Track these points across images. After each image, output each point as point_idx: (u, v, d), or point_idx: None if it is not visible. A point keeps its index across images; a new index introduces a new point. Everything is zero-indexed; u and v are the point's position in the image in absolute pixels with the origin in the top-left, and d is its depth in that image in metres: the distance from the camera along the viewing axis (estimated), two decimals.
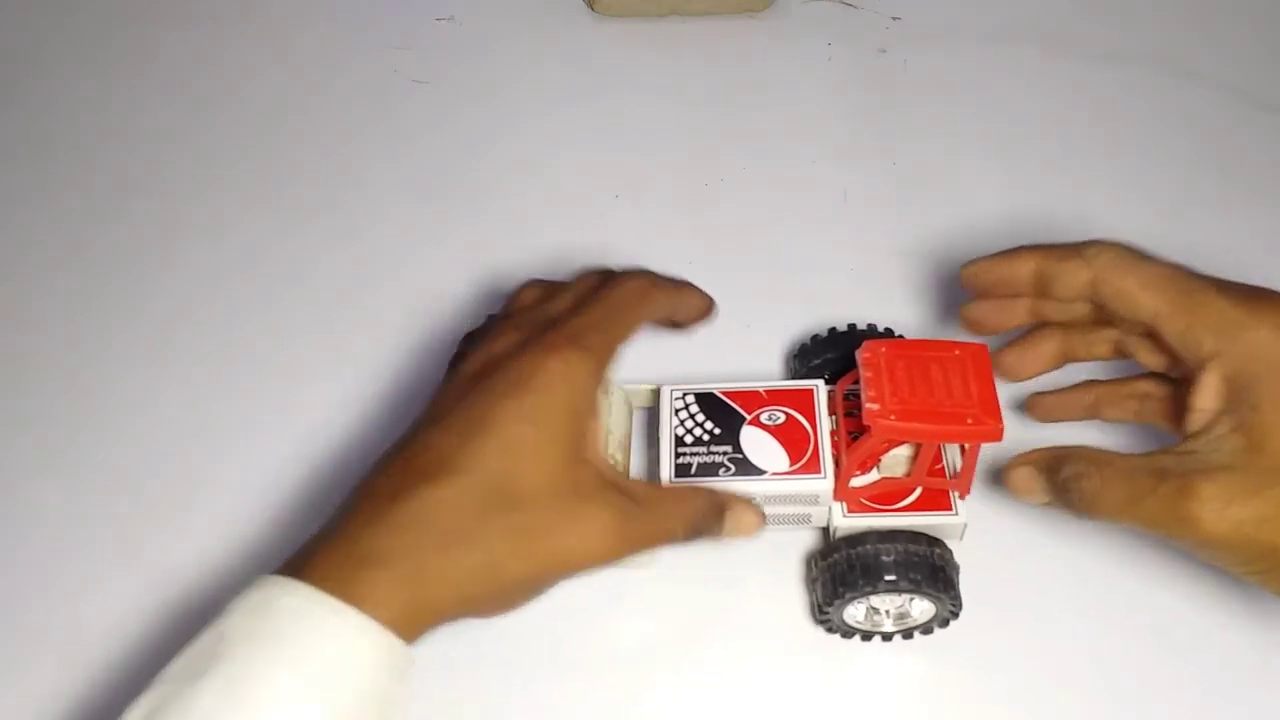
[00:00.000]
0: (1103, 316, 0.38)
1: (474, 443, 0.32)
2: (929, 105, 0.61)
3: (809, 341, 0.47)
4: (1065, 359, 0.41)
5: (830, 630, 0.42)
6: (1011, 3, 0.67)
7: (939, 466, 0.41)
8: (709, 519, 0.36)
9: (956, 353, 0.39)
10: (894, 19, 0.66)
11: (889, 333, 0.47)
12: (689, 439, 0.41)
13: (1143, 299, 0.35)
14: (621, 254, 0.55)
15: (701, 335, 0.51)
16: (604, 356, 0.36)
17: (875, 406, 0.38)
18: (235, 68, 0.65)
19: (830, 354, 0.46)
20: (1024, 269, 0.38)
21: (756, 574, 0.44)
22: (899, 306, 0.51)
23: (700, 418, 0.42)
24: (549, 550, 0.33)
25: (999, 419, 0.37)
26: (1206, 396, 0.33)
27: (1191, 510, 0.31)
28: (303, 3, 0.68)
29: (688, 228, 0.56)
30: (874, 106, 0.61)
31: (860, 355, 0.40)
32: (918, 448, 0.40)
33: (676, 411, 0.42)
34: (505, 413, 0.33)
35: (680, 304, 0.41)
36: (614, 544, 0.33)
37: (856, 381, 0.40)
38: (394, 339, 0.52)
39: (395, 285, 0.54)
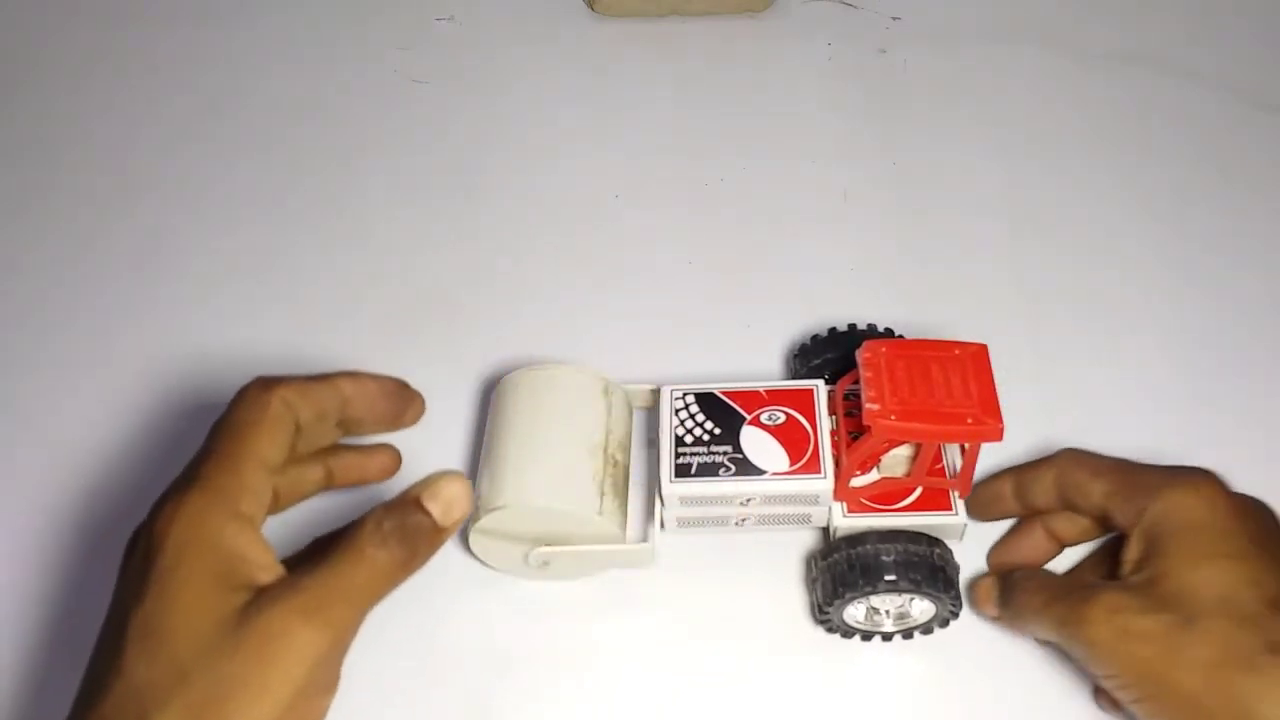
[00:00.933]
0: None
1: (121, 648, 0.29)
2: (929, 105, 0.61)
3: (809, 341, 0.47)
4: (1059, 543, 0.43)
5: (830, 630, 0.42)
6: (1011, 3, 0.67)
7: (939, 466, 0.41)
8: (403, 516, 0.31)
9: (956, 353, 0.39)
10: (894, 19, 0.66)
11: (889, 333, 0.47)
12: (689, 439, 0.41)
13: (1094, 485, 0.39)
14: (622, 254, 0.55)
15: (702, 335, 0.52)
16: (223, 484, 0.31)
17: (875, 406, 0.38)
18: (235, 68, 0.65)
19: (830, 354, 0.46)
20: (1005, 484, 0.42)
21: (756, 574, 0.44)
22: (899, 306, 0.51)
23: (700, 418, 0.42)
24: (250, 699, 0.28)
25: (999, 419, 0.37)
26: (1132, 549, 0.37)
27: (1088, 612, 0.35)
28: (303, 3, 0.68)
29: (688, 228, 0.56)
30: (874, 106, 0.61)
31: (860, 355, 0.40)
32: (918, 448, 0.40)
33: (676, 411, 0.42)
34: (133, 599, 0.30)
35: (346, 400, 0.35)
36: (315, 640, 0.29)
37: (856, 381, 0.40)
38: (394, 339, 0.52)
39: (395, 285, 0.54)
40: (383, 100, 0.63)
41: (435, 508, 0.31)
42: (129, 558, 0.31)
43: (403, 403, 0.37)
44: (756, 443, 0.41)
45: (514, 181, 0.59)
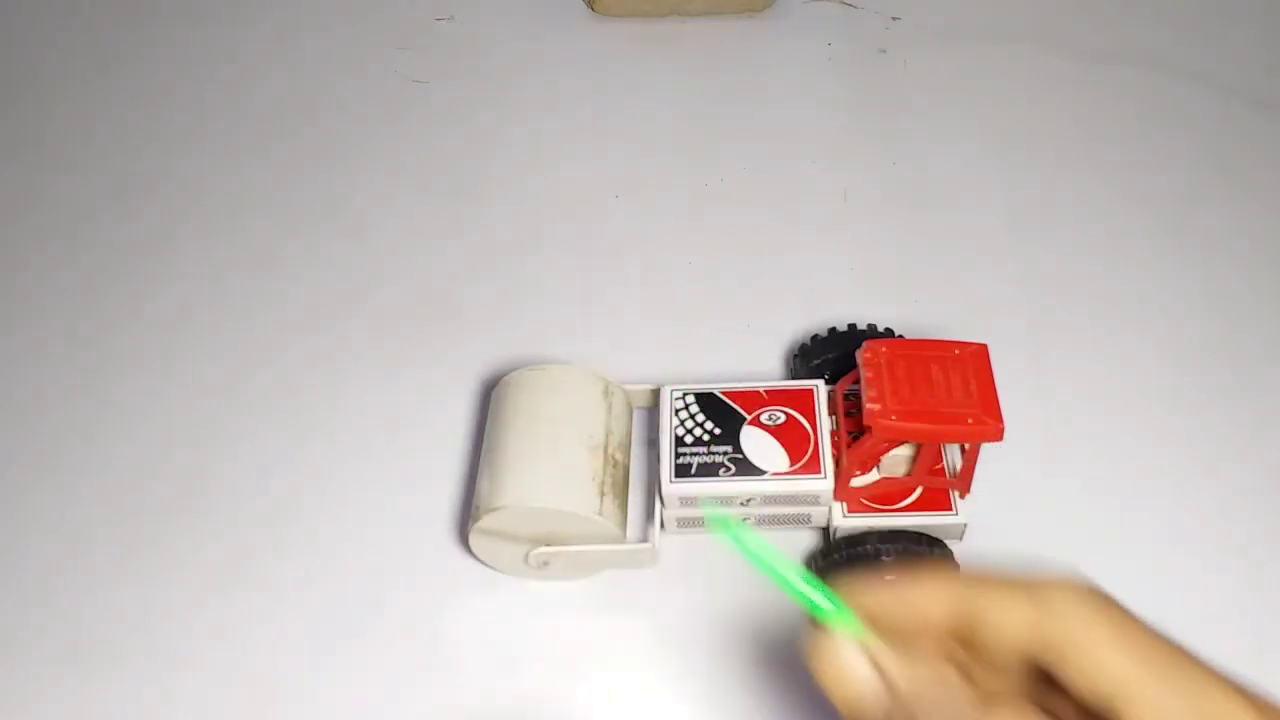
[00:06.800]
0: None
1: None
2: (929, 105, 0.61)
3: (809, 341, 0.47)
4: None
5: None
6: (1011, 3, 0.67)
7: (939, 466, 0.41)
8: None
9: (956, 352, 0.39)
10: (894, 19, 0.66)
11: (889, 333, 0.47)
12: (689, 439, 0.41)
13: (1113, 657, 0.24)
14: (622, 254, 0.55)
15: (702, 335, 0.52)
16: None
17: (876, 406, 0.38)
18: (236, 68, 0.65)
19: (830, 354, 0.46)
20: (935, 607, 0.26)
21: (756, 574, 0.44)
22: (899, 306, 0.51)
23: (700, 418, 0.42)
24: None
25: (999, 419, 0.37)
26: None
27: None
28: (303, 3, 0.68)
29: (688, 228, 0.56)
30: (874, 106, 0.61)
31: (860, 355, 0.40)
32: (918, 448, 0.40)
33: (676, 411, 0.42)
34: None
35: None
36: None
37: (856, 381, 0.40)
38: (394, 338, 0.52)
39: (395, 285, 0.54)
40: (383, 100, 0.63)
41: None
42: None
43: None
44: (756, 443, 0.41)
45: (514, 181, 0.59)
